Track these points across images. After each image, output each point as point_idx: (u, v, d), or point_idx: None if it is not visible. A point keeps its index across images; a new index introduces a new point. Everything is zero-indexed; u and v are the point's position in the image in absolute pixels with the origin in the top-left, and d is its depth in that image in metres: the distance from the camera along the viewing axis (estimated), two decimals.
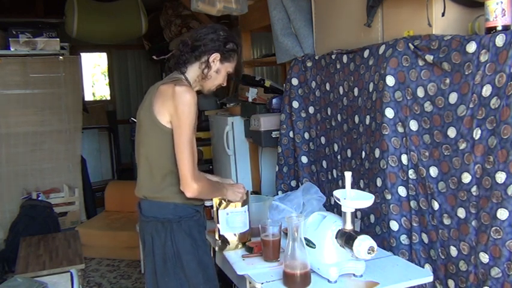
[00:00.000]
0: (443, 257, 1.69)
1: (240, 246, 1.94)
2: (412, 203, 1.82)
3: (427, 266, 1.77)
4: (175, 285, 1.72)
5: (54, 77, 4.56)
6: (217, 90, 1.97)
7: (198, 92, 1.85)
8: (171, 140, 1.68)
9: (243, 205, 1.95)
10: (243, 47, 3.74)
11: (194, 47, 1.76)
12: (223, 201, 1.91)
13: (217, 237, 1.92)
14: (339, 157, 2.32)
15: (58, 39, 4.50)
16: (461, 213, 1.58)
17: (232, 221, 1.92)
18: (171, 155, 1.68)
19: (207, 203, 2.35)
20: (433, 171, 1.70)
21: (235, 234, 1.93)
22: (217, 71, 1.79)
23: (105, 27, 4.73)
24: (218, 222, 1.91)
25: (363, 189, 2.01)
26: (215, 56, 1.76)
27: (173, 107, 1.65)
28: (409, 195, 1.82)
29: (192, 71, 1.79)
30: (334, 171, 2.37)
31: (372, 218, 2.01)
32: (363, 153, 2.06)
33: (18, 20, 4.61)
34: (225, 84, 1.88)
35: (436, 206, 1.68)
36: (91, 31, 4.63)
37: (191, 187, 1.65)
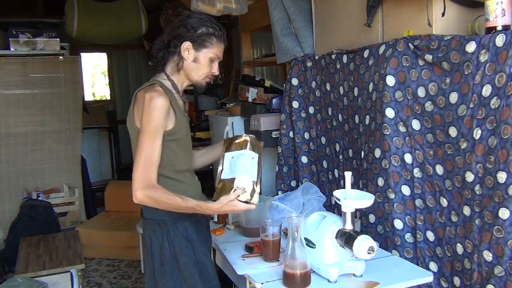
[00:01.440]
0: (449, 255, 1.69)
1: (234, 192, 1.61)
2: (417, 202, 1.82)
3: (432, 264, 1.78)
4: (173, 286, 1.72)
5: (54, 77, 4.56)
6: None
7: (190, 87, 1.78)
8: None
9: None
10: (243, 47, 3.75)
11: (168, 43, 1.70)
12: (234, 142, 1.71)
13: (216, 184, 1.69)
14: (340, 157, 2.32)
15: (58, 39, 4.49)
16: (466, 211, 1.59)
17: (235, 164, 1.68)
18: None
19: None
20: (439, 170, 1.70)
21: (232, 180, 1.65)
22: (195, 59, 1.68)
23: (105, 27, 4.73)
24: (222, 166, 1.70)
25: (362, 189, 2.01)
26: (186, 45, 1.66)
27: (141, 113, 1.61)
28: (414, 193, 1.82)
29: (171, 68, 1.72)
30: (336, 171, 2.37)
31: (372, 217, 2.01)
32: (362, 153, 2.06)
33: (18, 20, 4.61)
34: (216, 73, 1.74)
35: (444, 203, 1.68)
36: (91, 31, 4.63)
37: (135, 195, 1.56)
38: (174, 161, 1.72)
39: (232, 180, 1.63)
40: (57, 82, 4.59)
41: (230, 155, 1.71)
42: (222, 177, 1.67)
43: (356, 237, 1.52)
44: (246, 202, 1.60)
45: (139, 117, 1.64)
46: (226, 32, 1.76)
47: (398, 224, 1.86)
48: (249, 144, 1.72)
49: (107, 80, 7.26)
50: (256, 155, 1.71)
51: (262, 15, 3.00)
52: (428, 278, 1.65)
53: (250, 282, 1.71)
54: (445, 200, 1.69)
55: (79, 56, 5.33)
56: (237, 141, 1.75)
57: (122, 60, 7.01)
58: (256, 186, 1.62)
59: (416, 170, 1.81)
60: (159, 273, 1.74)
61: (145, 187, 1.56)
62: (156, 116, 1.58)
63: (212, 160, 2.03)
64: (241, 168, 1.65)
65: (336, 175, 2.38)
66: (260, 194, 1.64)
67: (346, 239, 1.55)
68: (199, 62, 1.69)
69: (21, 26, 4.38)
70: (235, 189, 1.60)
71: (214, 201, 1.61)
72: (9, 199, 4.34)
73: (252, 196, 1.61)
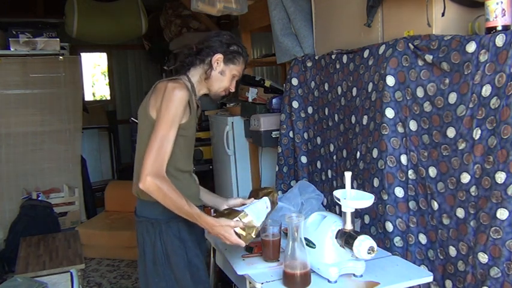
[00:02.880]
0: (441, 257, 1.69)
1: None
2: (411, 204, 1.82)
3: (423, 268, 1.77)
4: (165, 286, 1.73)
5: (54, 77, 4.56)
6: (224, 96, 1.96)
7: (205, 96, 1.86)
8: None
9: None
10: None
11: (198, 50, 1.78)
12: (261, 192, 1.82)
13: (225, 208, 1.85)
14: (334, 157, 2.32)
15: (58, 39, 4.49)
16: (460, 213, 1.58)
17: (251, 204, 1.75)
18: None
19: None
20: (432, 172, 1.70)
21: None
22: (222, 72, 1.78)
23: (105, 27, 4.73)
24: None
25: (357, 190, 2.01)
26: (218, 57, 1.76)
27: (160, 102, 1.65)
28: (408, 195, 1.82)
29: (196, 74, 1.79)
30: (330, 171, 2.37)
31: (367, 218, 2.01)
32: (358, 153, 2.06)
33: (18, 20, 4.60)
34: (232, 90, 1.85)
35: (435, 206, 1.68)
36: (91, 31, 4.64)
37: (145, 179, 1.55)
38: (177, 159, 1.72)
39: (240, 212, 1.66)
40: (57, 82, 4.59)
41: (250, 201, 1.81)
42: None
43: (356, 237, 1.52)
44: (239, 237, 1.62)
45: (156, 107, 1.66)
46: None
47: (389, 226, 1.86)
48: (272, 196, 1.83)
49: (107, 80, 7.26)
50: (269, 207, 1.78)
51: (262, 15, 3.00)
52: (428, 278, 1.64)
53: (250, 282, 1.71)
54: (435, 203, 1.68)
55: (79, 56, 5.33)
56: (264, 191, 1.87)
57: (122, 60, 7.01)
58: (254, 232, 1.63)
59: (410, 172, 1.81)
60: (152, 273, 1.75)
61: (156, 175, 1.56)
62: (176, 106, 1.62)
63: (206, 202, 2.01)
64: (254, 208, 1.70)
65: (329, 175, 2.38)
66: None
67: (346, 239, 1.55)
68: (224, 75, 1.78)
69: (21, 26, 4.37)
70: (237, 220, 1.62)
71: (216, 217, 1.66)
72: (9, 199, 4.33)
73: (246, 235, 1.62)
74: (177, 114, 1.63)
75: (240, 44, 1.81)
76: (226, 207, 1.89)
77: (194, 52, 1.79)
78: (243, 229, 1.61)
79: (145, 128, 1.70)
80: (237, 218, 1.62)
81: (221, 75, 1.78)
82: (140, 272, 1.83)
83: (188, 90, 1.69)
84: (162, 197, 1.58)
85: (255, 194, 1.88)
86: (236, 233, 1.60)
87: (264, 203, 1.78)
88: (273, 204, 1.82)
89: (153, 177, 1.55)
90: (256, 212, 1.69)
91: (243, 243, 1.61)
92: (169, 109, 1.61)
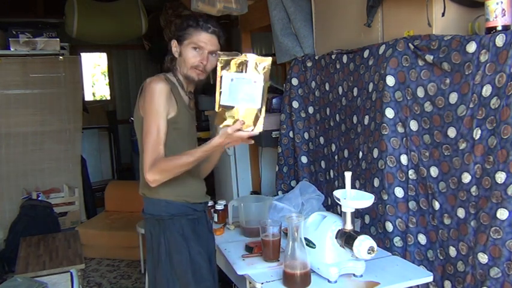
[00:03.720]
0: (441, 258, 1.69)
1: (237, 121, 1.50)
2: (411, 204, 1.82)
3: (422, 268, 1.77)
4: (166, 283, 1.73)
5: (54, 77, 4.56)
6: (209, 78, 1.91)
7: (203, 92, 1.87)
8: None
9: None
10: (243, 47, 3.74)
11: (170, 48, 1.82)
12: (232, 61, 1.49)
13: (216, 109, 1.52)
14: (336, 157, 2.32)
15: (58, 39, 4.49)
16: (460, 213, 1.58)
17: (236, 90, 1.50)
18: None
19: (211, 203, 2.34)
20: (434, 172, 1.70)
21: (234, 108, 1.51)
22: (180, 54, 1.76)
23: (105, 27, 4.72)
24: (220, 88, 1.51)
25: (359, 190, 2.01)
26: (173, 44, 1.78)
27: (142, 99, 1.70)
28: (408, 195, 1.82)
29: (174, 68, 1.82)
30: (331, 171, 2.37)
31: (367, 218, 2.01)
32: (360, 153, 2.06)
33: (18, 20, 4.61)
34: (204, 62, 1.72)
35: (437, 206, 1.68)
36: (91, 31, 4.63)
37: (146, 178, 1.62)
38: (172, 153, 1.70)
39: (232, 108, 1.50)
40: (57, 82, 4.59)
41: (229, 77, 1.51)
42: (222, 102, 1.51)
43: (356, 237, 1.52)
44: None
45: (143, 106, 1.70)
46: (210, 22, 1.75)
47: (389, 226, 1.86)
48: (250, 66, 1.51)
49: (107, 80, 7.26)
50: (259, 77, 1.51)
51: (262, 15, 3.00)
52: (428, 278, 1.64)
53: (250, 282, 1.71)
54: (437, 203, 1.68)
55: (79, 56, 5.33)
56: (236, 61, 1.51)
57: (122, 60, 7.01)
58: (261, 113, 1.49)
59: (411, 172, 1.81)
60: (155, 269, 1.75)
61: (151, 167, 1.61)
62: (156, 98, 1.65)
63: (214, 162, 1.99)
64: (242, 95, 1.50)
65: (332, 175, 2.38)
66: (260, 194, 1.59)
67: (346, 239, 1.55)
68: (183, 55, 1.75)
69: (21, 26, 4.37)
70: (235, 121, 1.49)
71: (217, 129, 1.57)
72: (9, 199, 4.34)
73: (255, 125, 1.49)
74: (159, 106, 1.65)
75: (189, 20, 1.75)
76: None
77: (168, 50, 1.82)
78: (243, 120, 1.48)
79: (139, 129, 1.73)
80: (234, 119, 1.49)
81: (181, 56, 1.76)
82: (148, 269, 1.85)
83: (166, 82, 1.69)
84: (168, 173, 1.62)
85: (225, 64, 1.52)
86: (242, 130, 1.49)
87: (248, 80, 1.51)
88: (260, 66, 1.51)
89: (150, 169, 1.60)
90: (247, 97, 1.50)
91: (256, 132, 1.50)
92: (151, 103, 1.65)
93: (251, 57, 1.51)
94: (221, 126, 1.53)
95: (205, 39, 1.72)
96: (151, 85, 1.66)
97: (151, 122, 1.64)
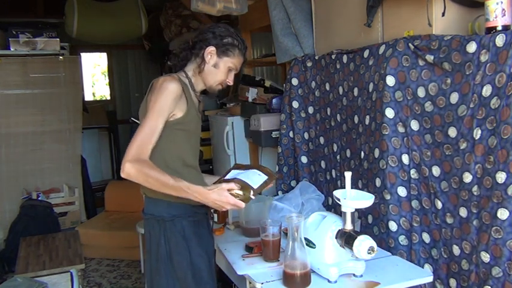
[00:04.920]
0: (445, 256, 1.69)
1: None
2: (414, 203, 1.82)
3: (427, 266, 1.77)
4: (166, 285, 1.73)
5: (54, 77, 4.57)
6: (221, 91, 1.93)
7: (204, 92, 1.85)
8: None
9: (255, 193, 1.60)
10: None
11: (193, 44, 1.77)
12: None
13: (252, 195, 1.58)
14: (338, 157, 2.32)
15: (58, 39, 4.50)
16: (463, 212, 1.58)
17: (239, 174, 1.65)
18: (159, 150, 1.65)
19: None
20: (436, 171, 1.70)
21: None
22: (215, 65, 1.75)
23: (105, 27, 4.72)
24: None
25: (362, 190, 2.01)
26: (210, 50, 1.73)
27: (151, 95, 1.66)
28: (411, 194, 1.82)
29: (191, 68, 1.79)
30: (333, 171, 2.37)
31: (370, 218, 2.01)
32: (362, 153, 2.06)
33: (18, 20, 4.61)
34: (230, 83, 1.82)
35: (439, 205, 1.68)
36: (91, 31, 4.63)
37: (123, 166, 1.53)
38: (182, 153, 1.72)
39: (232, 180, 1.61)
40: (57, 82, 4.59)
41: (236, 172, 1.68)
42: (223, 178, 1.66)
43: (356, 237, 1.52)
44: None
45: (150, 101, 1.66)
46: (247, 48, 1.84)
47: (392, 226, 1.86)
48: (262, 169, 1.72)
49: (107, 80, 7.26)
50: (264, 176, 1.67)
51: (262, 15, 3.00)
52: (428, 278, 1.65)
53: (250, 282, 1.71)
54: (439, 202, 1.68)
55: (79, 56, 5.33)
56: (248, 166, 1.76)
57: (122, 60, 7.01)
58: (252, 193, 1.57)
59: (413, 171, 1.81)
60: (154, 270, 1.74)
61: (135, 160, 1.54)
62: (164, 97, 1.62)
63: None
64: (244, 176, 1.63)
65: (333, 175, 2.38)
66: (260, 194, 1.61)
67: (346, 239, 1.55)
68: (218, 68, 1.76)
69: (21, 26, 4.37)
70: (229, 183, 1.57)
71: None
72: (9, 199, 4.34)
73: (244, 195, 1.55)
74: (166, 105, 1.63)
75: (235, 36, 1.77)
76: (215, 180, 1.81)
77: (189, 46, 1.78)
78: (239, 190, 1.55)
79: None
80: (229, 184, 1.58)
81: (215, 68, 1.76)
82: (146, 270, 1.84)
83: (180, 84, 1.67)
84: (144, 177, 1.54)
85: (237, 167, 1.77)
86: (233, 196, 1.55)
87: (254, 172, 1.69)
88: (270, 176, 1.70)
89: (132, 162, 1.53)
90: (247, 178, 1.63)
91: (242, 204, 1.55)
92: (157, 100, 1.62)
93: (260, 167, 1.74)
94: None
95: (240, 63, 1.81)
96: (164, 83, 1.64)
97: (151, 118, 1.61)
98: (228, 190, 1.55)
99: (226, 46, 1.75)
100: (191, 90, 1.77)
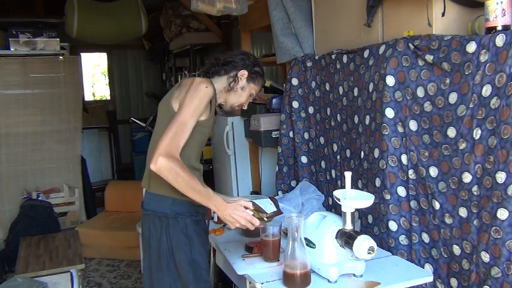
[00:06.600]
0: (446, 256, 1.69)
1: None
2: (412, 203, 1.82)
3: (428, 266, 1.77)
4: (168, 281, 1.73)
5: (54, 77, 4.56)
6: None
7: (219, 106, 1.90)
8: None
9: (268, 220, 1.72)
10: (243, 47, 3.75)
11: (225, 62, 1.85)
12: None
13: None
14: (338, 157, 2.32)
15: (58, 39, 4.50)
16: (463, 212, 1.58)
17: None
18: None
19: None
20: (433, 171, 1.70)
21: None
22: (243, 88, 1.85)
23: (105, 27, 4.73)
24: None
25: (362, 190, 2.01)
26: (243, 73, 1.83)
27: (185, 93, 1.68)
28: (409, 195, 1.82)
29: (219, 83, 1.84)
30: (333, 171, 2.37)
31: (370, 218, 2.01)
32: (362, 153, 2.06)
33: (18, 20, 4.61)
34: (245, 107, 1.93)
35: (437, 205, 1.68)
36: (91, 31, 4.64)
37: (157, 159, 1.51)
38: (191, 155, 1.74)
39: (249, 200, 1.70)
40: (57, 82, 4.59)
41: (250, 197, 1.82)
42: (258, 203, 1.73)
43: (356, 237, 1.52)
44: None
45: (179, 99, 1.69)
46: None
47: (392, 225, 1.86)
48: (269, 199, 1.83)
49: (107, 80, 7.26)
50: (274, 207, 1.77)
51: (262, 15, 3.00)
52: (428, 278, 1.65)
53: (250, 282, 1.71)
54: (437, 203, 1.68)
55: (79, 56, 5.33)
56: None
57: (122, 60, 7.01)
58: (264, 219, 1.67)
59: (411, 172, 1.81)
60: (156, 267, 1.75)
61: (169, 156, 1.53)
62: (200, 97, 1.66)
63: None
64: (258, 202, 1.73)
65: (333, 175, 2.38)
66: (260, 194, 1.66)
67: (346, 239, 1.55)
68: (244, 91, 1.87)
69: (21, 26, 4.37)
70: (246, 201, 1.68)
71: None
72: (9, 199, 4.34)
73: (258, 215, 1.65)
74: (200, 106, 1.66)
75: (262, 67, 1.91)
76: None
77: (221, 63, 1.85)
78: (254, 211, 1.65)
79: (165, 120, 1.69)
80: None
81: (242, 90, 1.86)
82: (145, 266, 1.84)
83: (214, 88, 1.75)
84: (175, 176, 1.53)
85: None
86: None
87: (267, 201, 1.79)
88: (278, 209, 1.80)
89: (166, 157, 1.52)
90: (262, 203, 1.72)
91: (257, 221, 1.63)
92: (194, 99, 1.65)
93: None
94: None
95: (258, 91, 1.95)
96: (202, 84, 1.68)
97: (185, 115, 1.62)
98: (245, 207, 1.65)
99: (256, 74, 1.87)
100: (214, 100, 1.82)
